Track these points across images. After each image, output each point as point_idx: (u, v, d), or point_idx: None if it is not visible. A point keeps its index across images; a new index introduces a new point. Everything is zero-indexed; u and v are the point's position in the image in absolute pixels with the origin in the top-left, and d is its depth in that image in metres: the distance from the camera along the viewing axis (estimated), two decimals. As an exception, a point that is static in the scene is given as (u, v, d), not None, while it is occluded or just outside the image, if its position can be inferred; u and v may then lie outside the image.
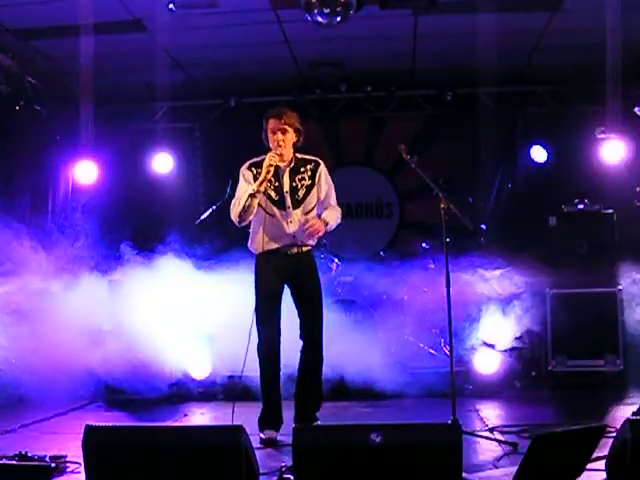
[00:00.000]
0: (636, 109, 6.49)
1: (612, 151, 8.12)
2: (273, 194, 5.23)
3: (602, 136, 7.61)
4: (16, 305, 6.52)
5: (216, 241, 7.50)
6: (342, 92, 9.07)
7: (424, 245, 8.32)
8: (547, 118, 8.91)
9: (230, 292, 6.66)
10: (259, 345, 5.19)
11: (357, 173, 9.64)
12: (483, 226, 8.26)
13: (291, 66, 8.42)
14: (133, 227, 7.64)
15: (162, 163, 9.22)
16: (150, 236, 7.31)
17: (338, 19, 6.38)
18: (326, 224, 5.26)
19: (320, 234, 5.28)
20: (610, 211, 7.39)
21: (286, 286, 5.34)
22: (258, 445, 4.87)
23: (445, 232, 5.22)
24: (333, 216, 5.35)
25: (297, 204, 5.24)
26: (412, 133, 9.27)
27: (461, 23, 7.09)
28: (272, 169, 5.10)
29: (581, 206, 7.45)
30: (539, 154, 8.72)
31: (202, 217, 8.08)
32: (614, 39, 6.99)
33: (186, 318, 6.93)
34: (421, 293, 8.02)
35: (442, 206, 5.23)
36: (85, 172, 8.82)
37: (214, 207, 7.94)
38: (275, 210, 5.23)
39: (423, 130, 9.37)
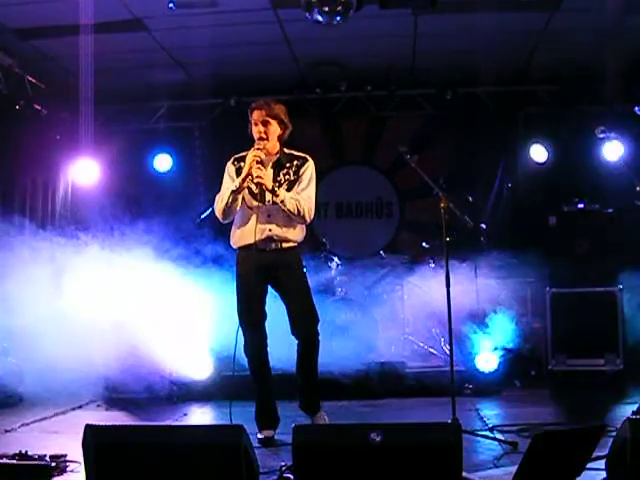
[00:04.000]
0: (636, 109, 6.49)
1: (612, 151, 8.12)
2: (253, 187, 5.09)
3: (602, 136, 7.62)
4: (15, 305, 6.51)
5: (216, 240, 7.50)
6: (342, 91, 9.08)
7: (424, 245, 8.33)
8: (547, 118, 8.91)
9: (230, 291, 6.66)
10: (244, 345, 5.13)
11: (357, 173, 9.64)
12: (483, 225, 8.25)
13: (291, 65, 8.42)
14: (133, 227, 7.64)
15: (162, 163, 9.23)
16: (149, 236, 7.30)
17: (338, 18, 6.38)
18: (274, 192, 4.97)
19: (262, 182, 4.95)
20: (610, 211, 7.39)
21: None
22: (258, 444, 4.87)
23: (445, 231, 5.22)
24: (288, 195, 5.04)
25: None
26: (412, 132, 9.27)
27: (461, 23, 7.09)
28: (254, 164, 4.98)
29: (581, 205, 7.45)
30: (539, 154, 8.72)
31: (202, 217, 8.09)
32: (614, 39, 7.00)
33: (186, 318, 6.93)
34: (421, 293, 8.03)
35: (442, 205, 5.23)
36: (85, 172, 8.84)
37: (214, 207, 7.93)
38: (254, 203, 5.09)
39: (423, 130, 9.37)
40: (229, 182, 5.17)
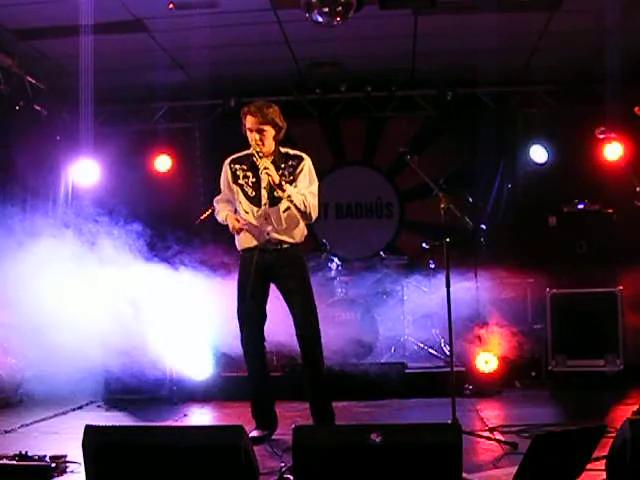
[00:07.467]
0: (636, 109, 6.47)
1: (612, 151, 8.12)
2: (250, 190, 5.10)
3: (602, 136, 7.61)
4: (15, 305, 6.51)
5: (215, 241, 7.50)
6: (342, 92, 9.06)
7: (424, 245, 8.33)
8: (547, 118, 8.91)
9: (230, 291, 6.65)
10: (241, 344, 5.19)
11: (357, 173, 9.64)
12: (483, 226, 8.25)
13: (291, 66, 8.42)
14: (132, 227, 7.64)
15: (162, 163, 9.23)
16: (149, 236, 7.30)
17: (338, 19, 6.38)
18: (281, 187, 4.94)
19: (272, 180, 4.95)
20: (610, 211, 7.39)
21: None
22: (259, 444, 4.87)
23: (445, 232, 5.22)
24: (294, 190, 5.02)
25: (274, 202, 5.07)
26: (412, 133, 9.27)
27: (461, 23, 7.09)
28: (262, 166, 4.96)
29: (581, 206, 7.46)
30: (539, 154, 8.72)
31: (202, 217, 8.08)
32: (614, 39, 6.99)
33: (186, 318, 6.92)
34: (421, 293, 8.04)
35: (442, 206, 5.22)
36: (85, 172, 8.84)
37: (215, 207, 7.93)
38: (251, 207, 5.11)
39: (423, 130, 9.36)
40: (222, 185, 5.25)
